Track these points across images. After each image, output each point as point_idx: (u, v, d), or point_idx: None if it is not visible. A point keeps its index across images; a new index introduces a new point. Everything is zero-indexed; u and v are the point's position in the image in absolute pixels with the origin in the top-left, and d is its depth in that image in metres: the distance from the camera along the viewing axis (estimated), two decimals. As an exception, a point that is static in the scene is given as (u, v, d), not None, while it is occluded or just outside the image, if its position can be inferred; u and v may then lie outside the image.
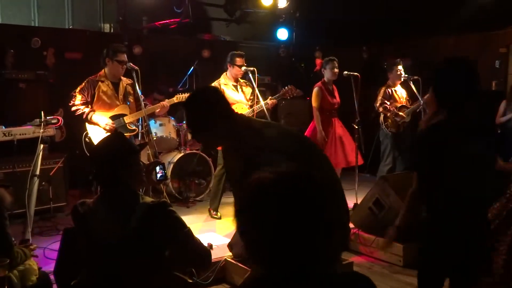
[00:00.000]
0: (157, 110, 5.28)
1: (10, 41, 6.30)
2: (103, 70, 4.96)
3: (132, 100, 5.06)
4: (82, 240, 2.27)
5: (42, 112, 4.70)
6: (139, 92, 4.91)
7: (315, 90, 5.83)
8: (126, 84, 5.05)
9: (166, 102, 5.21)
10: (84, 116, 4.82)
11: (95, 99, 4.92)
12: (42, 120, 4.65)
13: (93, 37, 7.11)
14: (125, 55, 4.92)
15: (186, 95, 5.37)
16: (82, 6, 7.72)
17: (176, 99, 5.26)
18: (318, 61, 7.81)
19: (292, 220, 1.16)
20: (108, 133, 4.82)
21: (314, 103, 5.84)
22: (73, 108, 4.85)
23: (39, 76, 6.27)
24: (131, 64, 4.89)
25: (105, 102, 4.92)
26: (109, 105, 4.94)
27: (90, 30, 7.39)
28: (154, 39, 7.75)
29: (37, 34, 6.63)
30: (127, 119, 4.94)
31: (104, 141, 2.38)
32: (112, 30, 7.73)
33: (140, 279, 2.09)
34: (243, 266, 3.75)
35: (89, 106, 4.89)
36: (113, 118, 4.92)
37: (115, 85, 4.98)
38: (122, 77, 5.04)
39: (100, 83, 4.91)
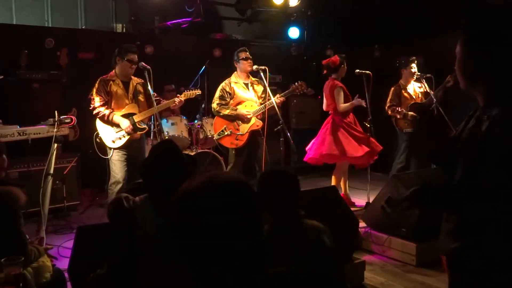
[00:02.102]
0: (172, 105, 5.21)
1: (24, 42, 6.37)
2: (114, 70, 5.00)
3: (142, 99, 5.08)
4: (119, 233, 2.29)
5: (56, 111, 4.75)
6: (151, 91, 4.94)
7: (336, 89, 5.64)
8: (137, 83, 5.07)
9: (182, 97, 5.17)
10: (105, 117, 4.87)
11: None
12: (56, 119, 4.70)
13: (105, 37, 7.17)
14: (136, 56, 4.94)
15: (195, 91, 5.36)
16: (94, 6, 7.78)
17: (184, 96, 5.25)
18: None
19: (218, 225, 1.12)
20: (127, 134, 4.89)
21: (336, 103, 5.63)
22: (95, 112, 4.89)
23: (53, 76, 6.34)
24: (143, 63, 4.92)
25: (115, 102, 4.97)
26: (118, 105, 4.97)
27: (102, 30, 7.45)
28: (165, 38, 7.79)
29: (51, 34, 6.70)
30: (136, 118, 4.96)
31: (166, 155, 2.43)
32: (124, 30, 7.78)
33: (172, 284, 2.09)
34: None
35: (109, 106, 4.94)
36: (123, 117, 4.96)
37: (126, 84, 5.02)
38: (132, 77, 5.07)
39: (111, 82, 4.95)
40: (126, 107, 4.98)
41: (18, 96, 6.11)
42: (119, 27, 7.82)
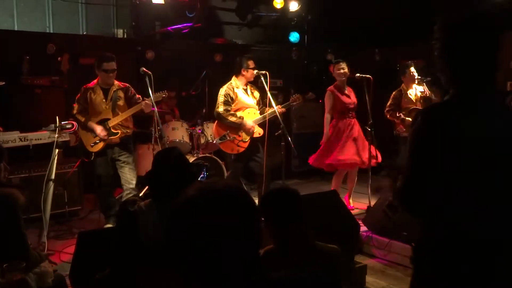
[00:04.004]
0: (140, 109, 5.06)
1: (26, 48, 6.39)
2: (97, 79, 5.08)
3: (122, 104, 5.12)
4: (123, 237, 2.30)
5: (57, 117, 4.77)
6: (151, 96, 4.95)
7: (326, 93, 5.87)
8: (117, 89, 5.11)
9: (148, 101, 5.02)
10: (81, 124, 5.02)
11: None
12: (57, 125, 4.72)
13: (106, 42, 7.18)
14: (113, 63, 4.99)
15: (161, 93, 5.22)
16: (95, 12, 7.80)
17: (154, 98, 5.13)
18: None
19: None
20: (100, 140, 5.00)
21: (325, 106, 5.89)
22: (74, 119, 5.04)
23: (54, 81, 6.35)
24: (144, 69, 4.96)
25: (92, 109, 5.07)
26: (96, 112, 5.07)
27: (104, 36, 7.47)
28: (166, 44, 7.80)
29: (52, 40, 6.71)
30: (110, 123, 5.01)
31: (170, 161, 2.44)
32: (125, 36, 7.80)
33: None
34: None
35: (85, 113, 5.06)
36: (98, 123, 5.03)
37: (106, 91, 5.09)
38: (115, 82, 5.13)
39: (90, 91, 5.04)
40: (102, 113, 5.06)
41: (19, 101, 6.13)
42: (120, 33, 7.84)
